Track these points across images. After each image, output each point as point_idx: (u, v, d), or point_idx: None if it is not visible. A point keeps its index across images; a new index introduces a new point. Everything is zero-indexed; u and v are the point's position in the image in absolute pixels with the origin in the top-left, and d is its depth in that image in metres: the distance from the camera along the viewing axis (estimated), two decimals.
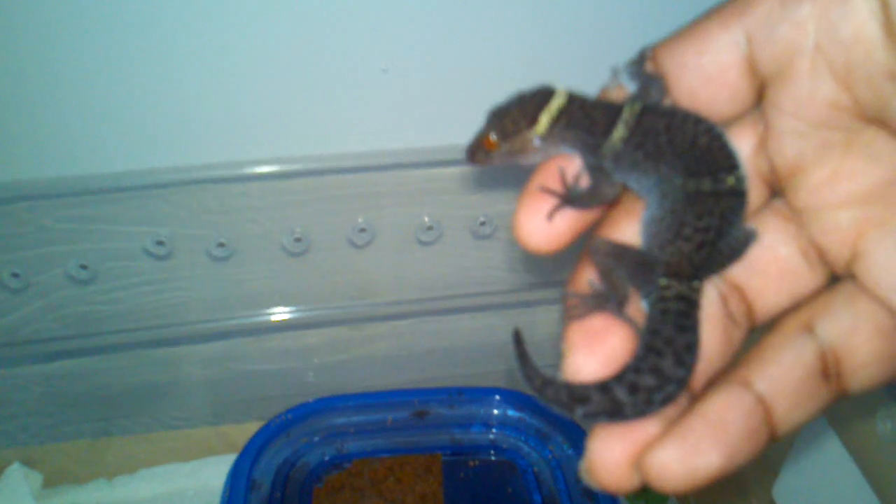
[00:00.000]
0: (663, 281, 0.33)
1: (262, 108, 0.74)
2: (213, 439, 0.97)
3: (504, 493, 0.89)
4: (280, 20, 0.68)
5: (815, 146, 0.32)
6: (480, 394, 0.93)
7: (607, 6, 0.73)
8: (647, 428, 0.31)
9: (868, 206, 0.32)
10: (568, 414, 0.32)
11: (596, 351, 0.33)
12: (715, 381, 0.32)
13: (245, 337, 0.92)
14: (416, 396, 0.92)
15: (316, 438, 0.91)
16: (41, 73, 0.67)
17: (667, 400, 0.31)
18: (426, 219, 0.84)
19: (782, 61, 0.32)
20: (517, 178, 0.39)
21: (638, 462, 0.30)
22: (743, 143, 0.34)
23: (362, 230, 0.83)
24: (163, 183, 0.76)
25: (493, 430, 0.94)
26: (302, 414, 0.89)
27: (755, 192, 0.34)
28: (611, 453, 0.31)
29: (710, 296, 0.34)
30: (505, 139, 0.37)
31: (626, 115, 0.35)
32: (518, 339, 0.35)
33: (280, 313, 0.88)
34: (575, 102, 0.36)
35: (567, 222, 0.34)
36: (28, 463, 0.92)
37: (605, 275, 0.34)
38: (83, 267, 0.80)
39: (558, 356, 0.34)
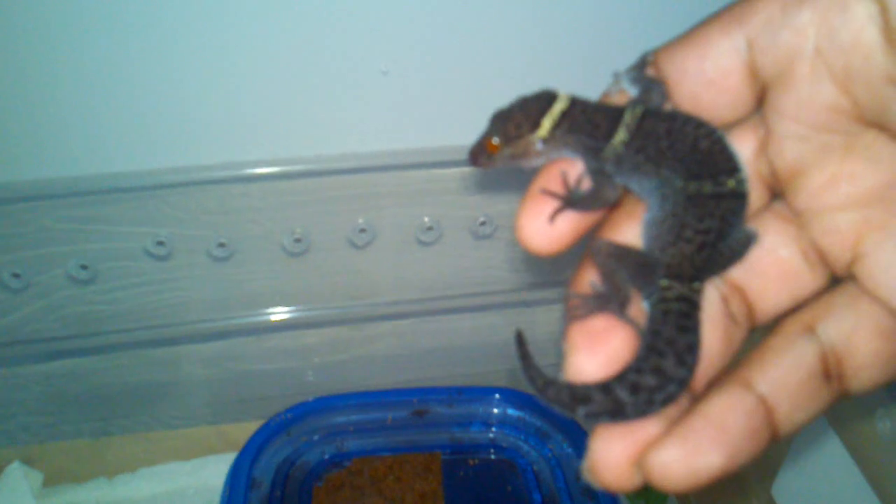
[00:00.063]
0: (664, 282, 0.34)
1: (262, 108, 0.74)
2: (213, 438, 0.97)
3: (504, 492, 0.90)
4: (280, 21, 0.68)
5: (816, 149, 0.33)
6: (480, 393, 0.93)
7: (607, 7, 0.73)
8: (648, 428, 0.31)
9: (868, 209, 0.32)
10: (570, 414, 0.32)
11: (597, 351, 0.33)
12: (716, 382, 0.32)
13: (245, 337, 0.92)
14: (416, 395, 0.92)
15: (316, 437, 0.91)
16: (41, 73, 0.67)
17: (668, 400, 0.32)
18: (426, 219, 0.84)
19: (783, 66, 0.32)
20: (517, 179, 0.40)
21: (640, 462, 0.30)
22: (744, 147, 0.34)
23: (362, 230, 0.83)
24: (163, 184, 0.76)
25: (493, 429, 0.94)
26: (302, 413, 0.90)
27: (756, 195, 0.35)
28: (613, 453, 0.31)
29: (711, 297, 0.34)
30: (508, 143, 0.37)
31: (628, 118, 0.35)
32: (520, 339, 0.35)
33: (280, 313, 0.89)
34: (577, 106, 0.36)
35: (569, 224, 0.35)
36: (28, 462, 0.93)
37: (606, 276, 0.34)
38: (83, 267, 0.80)
39: (559, 355, 0.34)
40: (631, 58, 0.37)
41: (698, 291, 0.34)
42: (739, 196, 0.34)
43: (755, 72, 0.32)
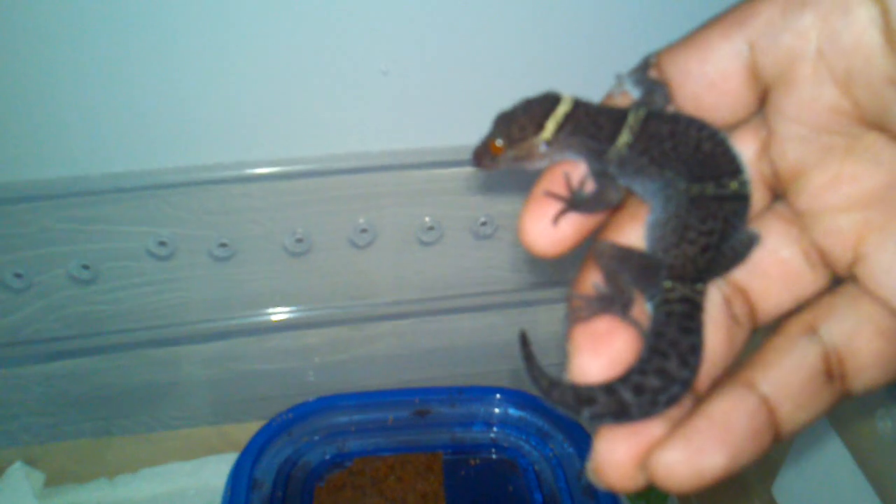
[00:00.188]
0: (667, 283, 0.34)
1: (262, 108, 0.74)
2: (214, 439, 0.97)
3: (505, 492, 0.90)
4: (280, 21, 0.68)
5: (817, 150, 0.33)
6: (481, 393, 0.94)
7: (607, 7, 0.73)
8: (652, 429, 0.32)
9: (869, 210, 0.33)
10: (574, 415, 0.32)
11: (601, 353, 0.33)
12: (719, 383, 0.33)
13: (246, 337, 0.92)
14: (417, 395, 0.92)
15: (317, 437, 0.92)
16: (42, 73, 0.68)
17: (671, 401, 0.32)
18: (427, 219, 0.84)
19: (784, 68, 0.32)
20: (518, 179, 0.40)
21: (644, 462, 0.30)
22: (746, 148, 0.35)
23: (363, 230, 0.84)
24: (164, 183, 0.76)
25: (494, 429, 0.94)
26: (303, 413, 0.90)
27: (758, 196, 0.35)
28: (617, 454, 0.31)
29: (714, 298, 0.35)
30: (511, 145, 0.37)
31: (631, 120, 0.35)
32: (524, 341, 0.35)
33: (281, 313, 0.89)
34: (580, 109, 0.36)
35: (572, 226, 0.35)
36: (30, 462, 0.93)
37: (609, 277, 0.34)
38: (85, 267, 0.80)
39: (560, 354, 0.34)
40: (631, 57, 0.37)
41: (701, 293, 0.34)
42: (742, 198, 0.34)
43: (757, 74, 0.33)
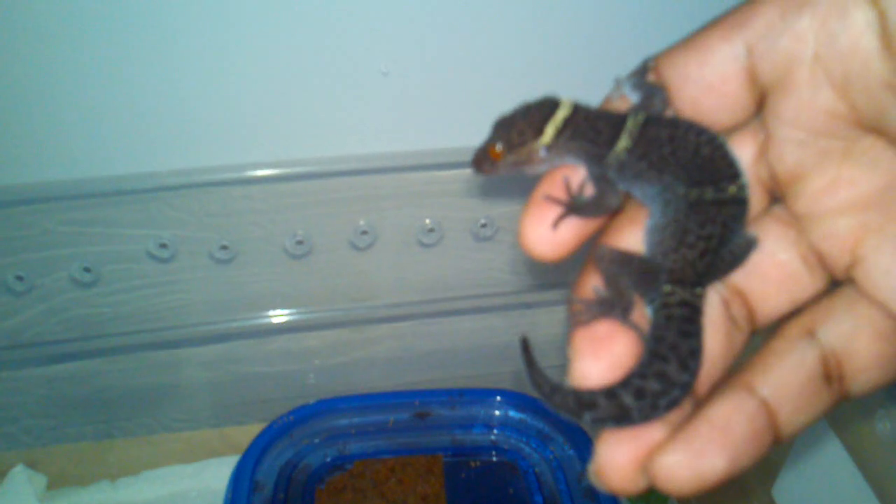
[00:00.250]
0: (667, 287, 0.34)
1: (263, 110, 0.74)
2: (215, 441, 0.98)
3: (506, 494, 0.90)
4: (280, 22, 0.68)
5: (815, 154, 0.33)
6: (481, 395, 0.93)
7: (607, 8, 0.73)
8: (653, 432, 0.32)
9: (867, 213, 0.33)
10: (576, 419, 0.33)
11: (602, 357, 0.33)
12: (719, 386, 0.33)
13: (247, 339, 0.92)
14: (418, 397, 0.93)
15: (318, 440, 0.92)
16: (42, 74, 0.68)
17: (672, 404, 0.32)
18: (427, 221, 0.84)
19: (782, 71, 0.32)
20: (518, 181, 0.40)
21: (645, 466, 0.31)
22: (744, 152, 0.35)
23: (364, 232, 0.84)
24: (165, 186, 0.76)
25: (495, 431, 0.94)
26: (304, 415, 0.90)
27: (756, 199, 0.35)
28: (619, 457, 0.32)
29: (713, 301, 0.35)
30: (511, 150, 0.37)
31: (630, 125, 0.35)
32: (525, 345, 0.35)
33: (282, 315, 0.89)
34: (579, 113, 0.37)
35: (572, 230, 0.35)
36: (32, 465, 0.93)
37: (609, 282, 0.35)
38: (86, 270, 0.80)
39: (561, 356, 0.34)
40: (631, 58, 0.37)
41: (700, 296, 0.34)
42: (740, 202, 0.34)
43: (755, 77, 0.33)
